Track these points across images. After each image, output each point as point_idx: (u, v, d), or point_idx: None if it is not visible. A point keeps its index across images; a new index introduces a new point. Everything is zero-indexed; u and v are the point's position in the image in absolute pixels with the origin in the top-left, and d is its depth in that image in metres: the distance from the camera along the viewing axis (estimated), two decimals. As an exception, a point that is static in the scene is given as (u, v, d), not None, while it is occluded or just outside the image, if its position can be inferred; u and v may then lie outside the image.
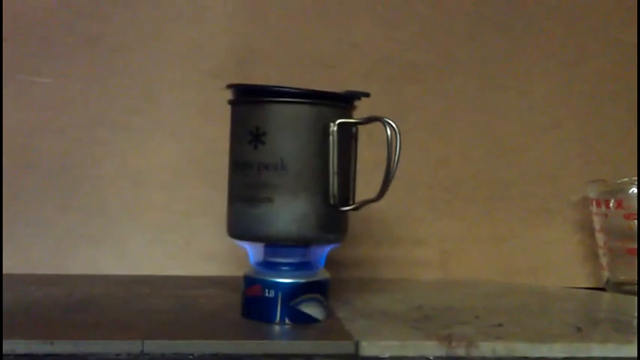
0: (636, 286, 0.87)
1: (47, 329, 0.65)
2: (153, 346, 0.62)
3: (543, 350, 0.64)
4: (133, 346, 0.61)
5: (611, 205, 0.91)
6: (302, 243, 0.70)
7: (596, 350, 0.65)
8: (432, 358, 0.63)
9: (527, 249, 0.99)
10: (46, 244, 0.93)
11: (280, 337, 0.67)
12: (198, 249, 0.94)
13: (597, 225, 0.94)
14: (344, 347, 0.64)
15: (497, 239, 0.99)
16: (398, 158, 0.68)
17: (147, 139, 0.95)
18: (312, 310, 0.69)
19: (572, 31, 1.02)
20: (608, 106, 1.02)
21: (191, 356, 0.61)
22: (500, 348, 0.64)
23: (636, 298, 0.85)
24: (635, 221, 0.89)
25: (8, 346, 0.60)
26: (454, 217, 0.99)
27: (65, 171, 0.94)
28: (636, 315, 0.78)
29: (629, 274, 0.90)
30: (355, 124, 0.71)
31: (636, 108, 1.01)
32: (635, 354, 0.64)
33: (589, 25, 1.02)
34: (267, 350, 0.63)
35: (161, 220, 0.94)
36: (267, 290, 0.69)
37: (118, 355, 0.61)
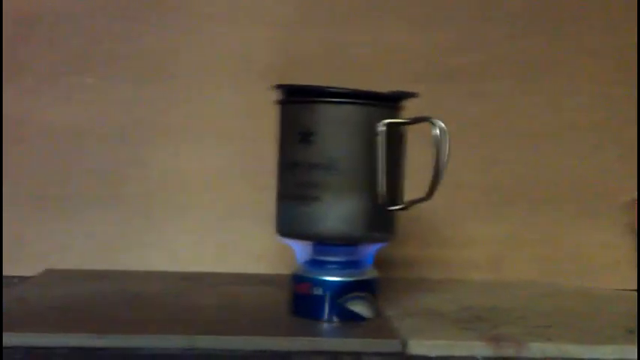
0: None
1: (99, 323, 0.66)
2: (203, 341, 0.62)
3: (594, 352, 0.64)
4: (184, 341, 0.62)
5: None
6: (350, 241, 0.70)
7: (648, 353, 0.64)
8: (480, 358, 0.63)
9: (576, 251, 0.98)
10: (97, 241, 0.94)
11: (329, 335, 0.67)
12: (245, 248, 0.95)
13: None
14: (392, 346, 0.64)
15: (546, 241, 0.98)
16: (446, 158, 0.67)
17: (194, 140, 0.96)
18: (359, 308, 0.70)
19: (615, 32, 1.01)
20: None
21: (239, 352, 0.62)
22: (551, 349, 0.64)
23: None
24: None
25: (61, 340, 0.62)
26: (502, 218, 0.98)
27: (116, 172, 0.95)
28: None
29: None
30: (403, 124, 0.71)
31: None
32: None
33: (631, 27, 1.00)
34: (317, 347, 0.63)
35: (209, 220, 0.95)
36: (315, 288, 0.69)
37: (168, 349, 0.61)
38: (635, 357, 0.63)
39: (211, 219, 0.95)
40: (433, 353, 0.63)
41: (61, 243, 0.93)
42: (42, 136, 0.95)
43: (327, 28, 0.98)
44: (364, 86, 0.70)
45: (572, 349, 0.64)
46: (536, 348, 0.64)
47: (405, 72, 0.97)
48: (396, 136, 0.71)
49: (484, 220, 0.98)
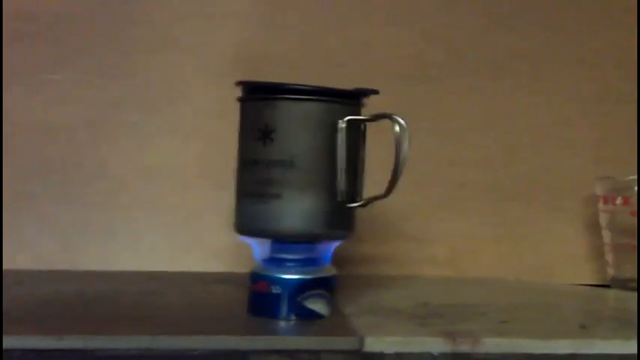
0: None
1: (57, 324, 0.66)
2: (161, 341, 0.62)
3: (547, 347, 0.65)
4: (142, 342, 0.62)
5: (617, 202, 0.92)
6: (309, 239, 0.70)
7: (600, 347, 0.65)
8: (436, 354, 0.64)
9: (536, 246, 0.99)
10: (57, 241, 0.93)
11: (286, 333, 0.67)
12: (208, 246, 0.95)
13: (604, 222, 0.94)
14: (349, 343, 0.64)
15: (507, 237, 0.99)
16: (406, 155, 0.68)
17: (159, 138, 0.96)
18: (317, 306, 0.70)
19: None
20: (620, 105, 1.02)
21: (197, 352, 0.62)
22: (506, 344, 0.65)
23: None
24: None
25: (18, 342, 0.61)
26: (463, 214, 0.99)
27: (77, 169, 0.95)
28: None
29: (633, 272, 0.90)
30: (364, 120, 0.71)
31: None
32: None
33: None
34: (274, 346, 0.63)
35: (172, 218, 0.95)
36: (273, 286, 0.69)
37: (126, 350, 0.61)
38: (590, 352, 0.65)
39: (175, 218, 0.95)
40: (390, 350, 0.64)
41: (22, 242, 0.93)
42: (8, 134, 0.94)
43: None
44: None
45: (527, 344, 0.65)
46: (491, 343, 0.65)
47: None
48: (356, 132, 0.71)
49: (446, 216, 0.99)
